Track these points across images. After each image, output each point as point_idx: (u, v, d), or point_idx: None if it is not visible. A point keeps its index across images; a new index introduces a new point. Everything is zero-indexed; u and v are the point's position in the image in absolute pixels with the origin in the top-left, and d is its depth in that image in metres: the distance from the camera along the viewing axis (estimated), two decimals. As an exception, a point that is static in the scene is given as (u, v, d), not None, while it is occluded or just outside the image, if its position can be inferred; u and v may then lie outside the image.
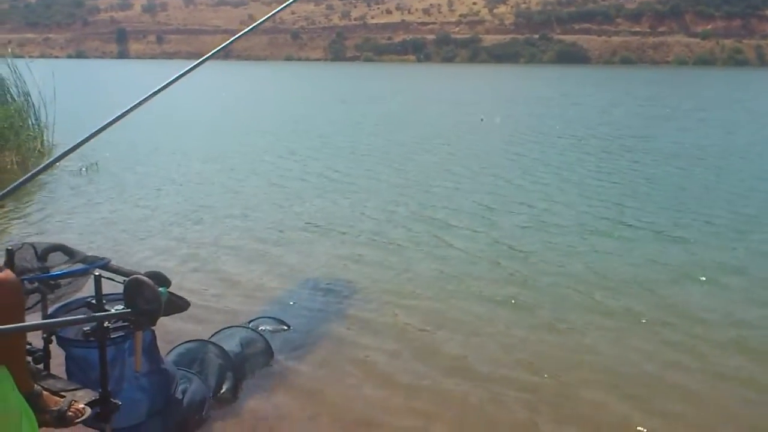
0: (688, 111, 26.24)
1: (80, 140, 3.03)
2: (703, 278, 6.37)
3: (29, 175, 3.02)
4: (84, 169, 11.77)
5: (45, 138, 13.25)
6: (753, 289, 6.14)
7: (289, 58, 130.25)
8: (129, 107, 3.10)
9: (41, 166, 3.11)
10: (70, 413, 2.75)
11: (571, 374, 4.45)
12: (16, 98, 12.90)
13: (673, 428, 3.87)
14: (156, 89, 3.19)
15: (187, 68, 3.29)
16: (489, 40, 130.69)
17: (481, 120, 16.75)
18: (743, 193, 10.34)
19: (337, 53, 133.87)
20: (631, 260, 6.90)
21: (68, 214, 8.77)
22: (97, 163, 12.07)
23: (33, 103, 13.13)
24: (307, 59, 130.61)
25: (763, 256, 7.16)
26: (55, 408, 2.74)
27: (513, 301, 5.75)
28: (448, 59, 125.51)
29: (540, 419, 3.92)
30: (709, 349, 4.88)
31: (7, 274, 2.61)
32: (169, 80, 3.21)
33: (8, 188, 2.93)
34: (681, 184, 11.21)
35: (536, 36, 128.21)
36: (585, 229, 8.11)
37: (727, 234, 7.97)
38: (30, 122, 12.96)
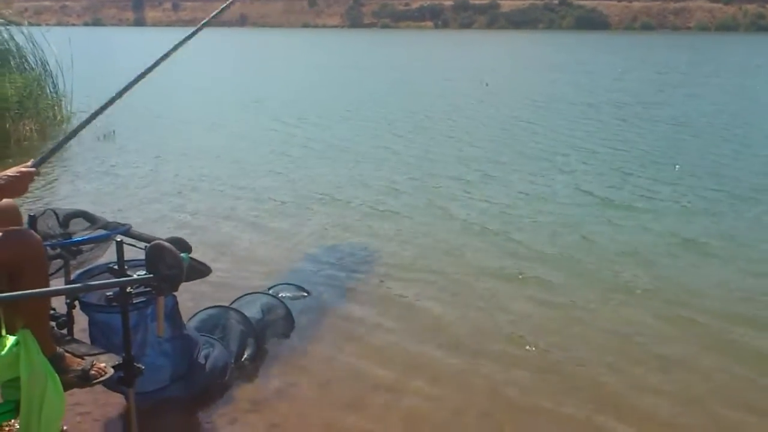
0: (702, 77, 25.73)
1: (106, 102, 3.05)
2: (698, 249, 6.29)
3: (63, 139, 3.05)
4: (102, 136, 11.81)
5: (63, 106, 13.27)
6: (748, 261, 6.03)
7: (305, 25, 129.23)
8: (133, 79, 3.08)
9: (78, 125, 3.12)
10: (93, 372, 2.79)
11: (568, 349, 4.40)
12: (34, 66, 12.89)
13: (666, 402, 3.82)
14: (157, 59, 3.17)
15: (187, 35, 3.28)
16: (507, 5, 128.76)
17: (486, 85, 16.82)
18: (741, 163, 10.12)
19: (354, 20, 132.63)
20: (625, 231, 6.83)
21: (85, 181, 8.84)
22: (114, 131, 12.10)
23: (51, 71, 13.12)
24: (324, 26, 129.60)
25: (759, 227, 7.04)
26: (78, 368, 2.77)
27: (515, 274, 5.74)
28: (466, 25, 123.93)
29: (526, 395, 3.89)
30: (703, 321, 4.81)
31: (30, 233, 2.63)
32: (170, 49, 3.20)
33: (45, 153, 2.94)
34: (680, 152, 10.96)
35: (555, 1, 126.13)
36: (579, 199, 8.02)
37: (723, 204, 7.81)
38: (48, 90, 12.96)
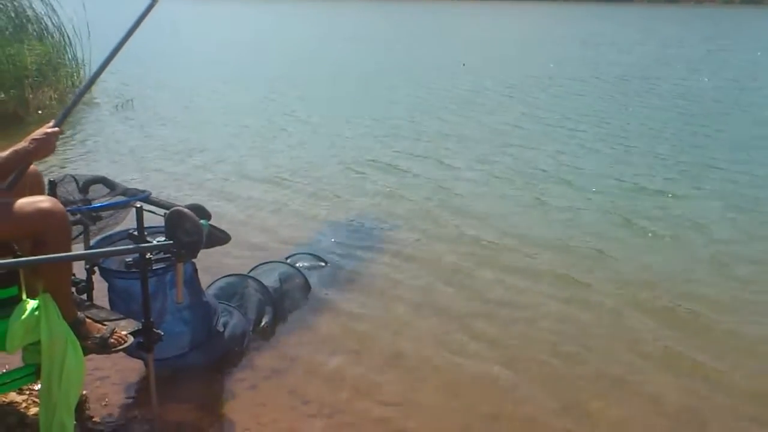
0: (711, 51, 25.12)
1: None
2: (658, 233, 6.09)
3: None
4: (120, 105, 11.82)
5: (82, 74, 13.23)
6: (725, 243, 5.90)
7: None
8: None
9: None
10: (112, 340, 2.79)
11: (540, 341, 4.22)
12: (53, 34, 12.80)
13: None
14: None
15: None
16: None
17: (463, 65, 17.55)
18: (722, 144, 9.79)
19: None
20: (590, 213, 6.65)
21: (103, 149, 8.87)
22: (132, 100, 12.11)
23: (69, 38, 13.05)
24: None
25: (733, 210, 6.79)
26: (98, 335, 2.77)
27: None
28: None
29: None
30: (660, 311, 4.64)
31: (56, 203, 2.62)
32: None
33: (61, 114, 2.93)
34: (664, 130, 10.65)
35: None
36: (552, 178, 7.81)
37: (698, 187, 7.55)
38: (67, 58, 12.91)
